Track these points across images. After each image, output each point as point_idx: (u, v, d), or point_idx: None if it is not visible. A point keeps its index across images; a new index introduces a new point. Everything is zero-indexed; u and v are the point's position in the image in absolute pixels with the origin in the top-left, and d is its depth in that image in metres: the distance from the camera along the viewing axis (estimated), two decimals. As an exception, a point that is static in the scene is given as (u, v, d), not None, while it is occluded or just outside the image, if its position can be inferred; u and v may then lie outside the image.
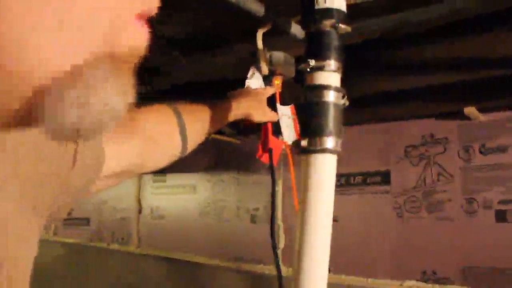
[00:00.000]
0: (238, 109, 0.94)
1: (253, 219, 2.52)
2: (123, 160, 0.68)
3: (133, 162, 0.71)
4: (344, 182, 2.16)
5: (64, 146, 0.55)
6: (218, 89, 1.52)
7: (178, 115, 0.82)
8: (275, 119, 0.97)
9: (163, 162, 0.81)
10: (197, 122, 0.87)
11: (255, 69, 0.98)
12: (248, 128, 1.01)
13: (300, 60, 0.77)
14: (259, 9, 0.95)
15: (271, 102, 0.98)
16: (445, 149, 1.95)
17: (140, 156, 0.73)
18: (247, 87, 0.98)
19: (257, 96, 0.97)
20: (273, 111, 0.98)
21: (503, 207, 1.79)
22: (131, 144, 0.71)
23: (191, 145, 0.85)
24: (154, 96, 1.82)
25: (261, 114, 0.96)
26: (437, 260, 1.89)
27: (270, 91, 0.99)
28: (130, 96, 0.34)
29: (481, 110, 1.81)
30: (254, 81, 0.98)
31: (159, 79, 1.53)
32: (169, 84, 1.60)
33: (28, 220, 0.49)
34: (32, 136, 0.52)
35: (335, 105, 0.74)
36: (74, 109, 0.29)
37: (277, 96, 0.99)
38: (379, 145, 2.11)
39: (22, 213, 0.48)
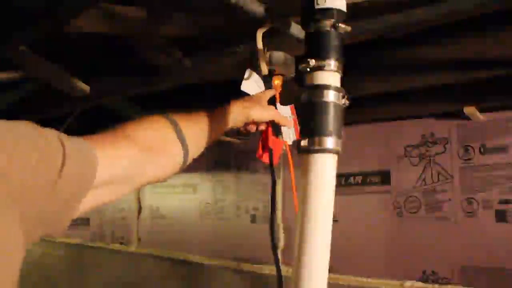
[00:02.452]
0: (235, 114, 0.90)
1: (253, 219, 2.52)
2: (117, 167, 0.66)
3: (130, 169, 0.69)
4: (344, 182, 2.16)
5: (53, 148, 0.54)
6: (219, 90, 1.52)
7: (174, 124, 0.80)
8: (277, 117, 0.94)
9: (165, 171, 0.78)
10: (195, 131, 0.84)
11: (252, 71, 0.97)
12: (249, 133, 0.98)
13: (300, 60, 0.77)
14: (259, 9, 0.94)
15: (271, 103, 0.98)
16: (445, 149, 1.95)
17: (138, 163, 0.71)
18: (248, 96, 0.95)
19: (255, 99, 0.94)
20: (273, 108, 0.95)
21: (503, 207, 1.79)
22: (125, 150, 0.69)
23: (192, 153, 0.83)
24: (154, 97, 1.82)
25: (260, 111, 0.92)
26: (437, 260, 1.89)
27: (269, 94, 0.96)
28: None
29: (481, 110, 1.81)
30: (251, 82, 0.96)
31: (160, 80, 1.53)
32: (170, 85, 1.60)
33: (12, 217, 0.49)
34: (21, 135, 0.52)
35: (335, 105, 0.74)
36: None
37: (277, 96, 0.99)
38: (379, 145, 2.11)
39: (5, 209, 0.48)
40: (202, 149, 0.87)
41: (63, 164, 0.54)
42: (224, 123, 0.91)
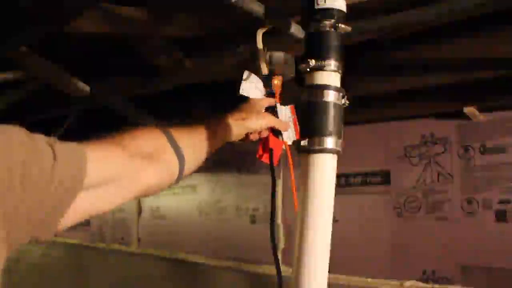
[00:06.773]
0: (235, 129, 0.91)
1: (253, 219, 2.51)
2: (107, 168, 0.66)
3: (120, 172, 0.69)
4: (344, 182, 2.16)
5: (42, 151, 0.55)
6: (219, 90, 1.52)
7: (168, 134, 0.79)
8: (274, 123, 0.94)
9: (159, 180, 0.77)
10: (191, 142, 0.84)
11: (251, 72, 0.97)
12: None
13: (300, 60, 0.77)
14: (259, 9, 0.95)
15: (269, 107, 0.97)
16: (445, 149, 1.95)
17: (129, 168, 0.70)
18: (245, 101, 0.95)
19: (250, 107, 0.94)
20: (271, 114, 0.95)
21: (503, 207, 1.79)
22: (116, 154, 0.69)
23: (189, 164, 0.82)
24: (155, 97, 1.82)
25: (256, 120, 0.92)
26: (437, 259, 1.89)
27: (266, 101, 0.96)
28: None
29: (481, 110, 1.81)
30: (249, 83, 0.96)
31: (160, 80, 1.53)
32: (171, 86, 1.60)
33: None
34: (10, 138, 0.52)
35: (335, 105, 0.74)
36: None
37: (277, 96, 0.99)
38: (379, 145, 2.11)
39: None
40: (200, 161, 0.87)
41: (52, 166, 0.54)
42: (223, 136, 0.91)
